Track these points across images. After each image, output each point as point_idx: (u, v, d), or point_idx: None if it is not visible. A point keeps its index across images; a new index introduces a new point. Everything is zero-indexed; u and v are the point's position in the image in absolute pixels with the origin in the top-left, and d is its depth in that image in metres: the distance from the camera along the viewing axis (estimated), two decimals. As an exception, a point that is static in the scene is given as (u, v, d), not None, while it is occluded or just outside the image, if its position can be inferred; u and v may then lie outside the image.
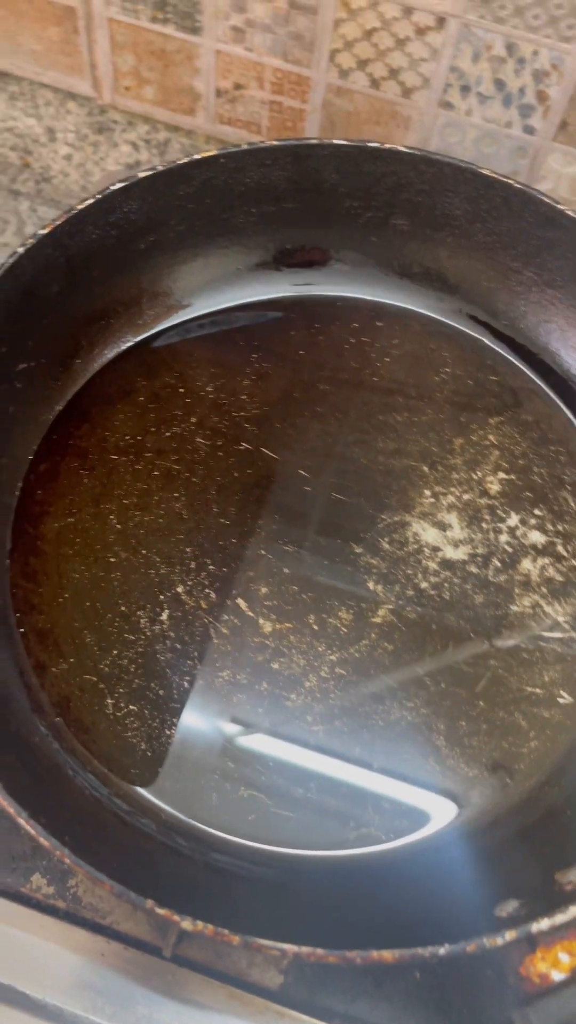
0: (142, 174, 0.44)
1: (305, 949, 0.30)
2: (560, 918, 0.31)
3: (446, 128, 0.56)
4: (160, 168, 0.44)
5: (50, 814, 0.32)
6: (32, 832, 0.31)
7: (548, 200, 0.45)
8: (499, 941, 0.30)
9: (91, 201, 0.43)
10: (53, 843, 0.31)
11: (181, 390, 0.47)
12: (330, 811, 0.39)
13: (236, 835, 0.38)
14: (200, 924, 0.30)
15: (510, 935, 0.30)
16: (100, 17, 0.59)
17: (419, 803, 0.39)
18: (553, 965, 0.30)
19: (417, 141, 0.57)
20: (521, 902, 0.33)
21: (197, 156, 0.45)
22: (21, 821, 0.31)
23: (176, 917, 0.30)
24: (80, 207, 0.43)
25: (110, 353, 0.48)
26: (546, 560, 0.44)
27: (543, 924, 0.31)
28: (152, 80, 0.62)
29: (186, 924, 0.30)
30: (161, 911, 0.30)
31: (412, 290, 0.50)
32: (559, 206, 0.45)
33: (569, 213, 0.44)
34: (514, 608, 0.43)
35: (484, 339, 0.50)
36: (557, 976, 0.30)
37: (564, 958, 0.31)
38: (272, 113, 0.60)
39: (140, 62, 0.61)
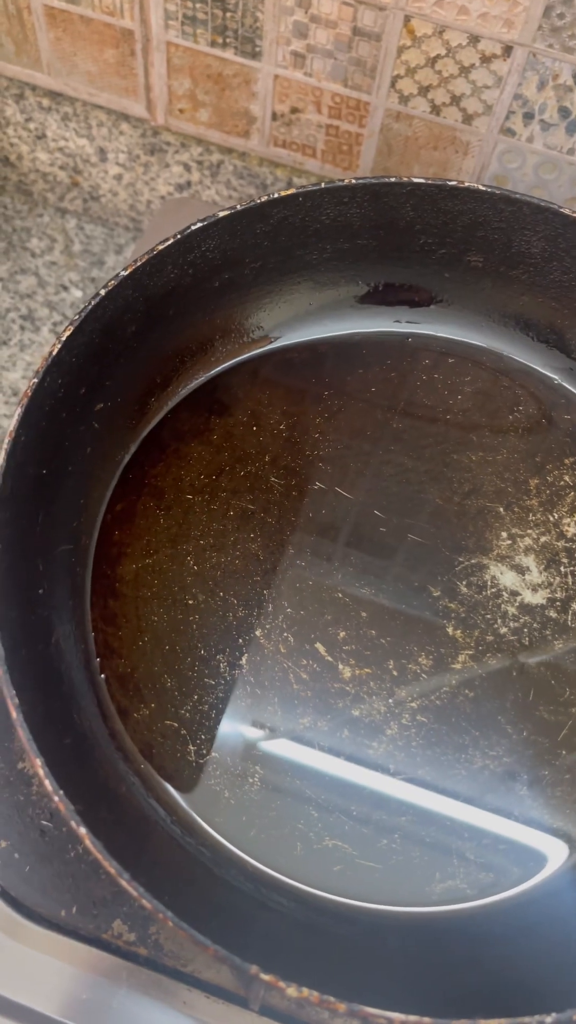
0: (222, 214, 0.44)
1: (412, 1018, 0.29)
2: None
3: (505, 154, 0.56)
4: (239, 207, 0.44)
5: (146, 871, 0.32)
6: (134, 894, 0.31)
7: (629, 241, 0.44)
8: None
9: (171, 241, 0.43)
10: (156, 905, 0.30)
11: (254, 428, 0.47)
12: (415, 863, 0.38)
13: (322, 888, 0.38)
14: (306, 991, 0.30)
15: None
16: (158, 40, 0.59)
17: (504, 857, 0.39)
18: None
19: (475, 166, 0.56)
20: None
21: (276, 195, 0.44)
22: (123, 883, 0.31)
23: (282, 984, 0.30)
24: (161, 247, 0.42)
25: (184, 391, 0.48)
26: (626, 605, 0.44)
27: None
28: (207, 103, 0.62)
29: (291, 991, 0.30)
30: (266, 977, 0.30)
31: (484, 326, 0.50)
32: None
33: None
34: (595, 655, 0.43)
35: (557, 376, 0.49)
36: None
37: None
38: (328, 136, 0.60)
39: (196, 85, 0.61)
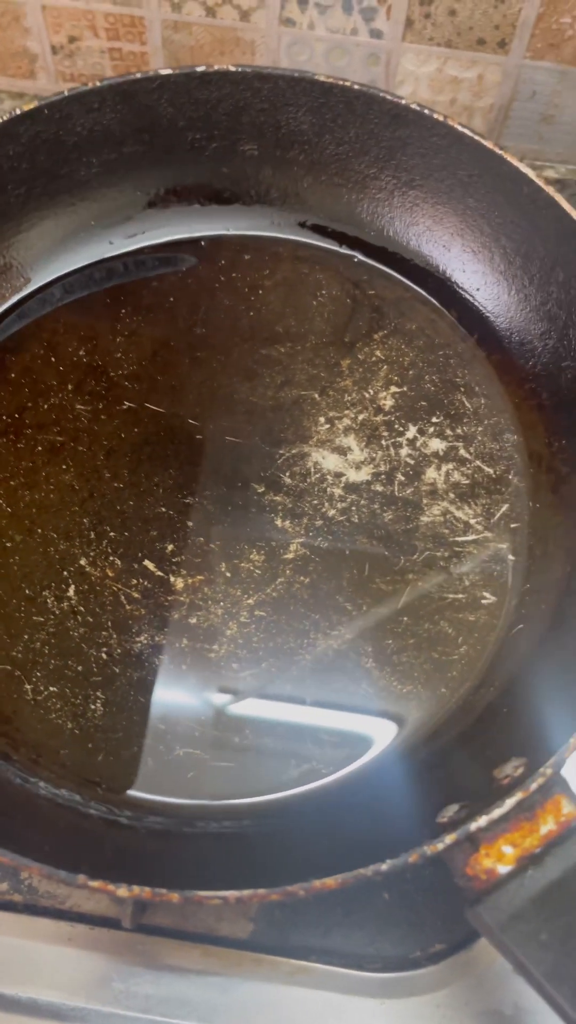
0: (-37, 138, 0.42)
1: (246, 892, 0.29)
2: (497, 812, 0.30)
3: (292, 47, 0.54)
4: (-20, 129, 0.42)
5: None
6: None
7: (391, 97, 0.43)
8: (439, 846, 0.30)
9: None
10: (-26, 838, 0.30)
11: (52, 359, 0.45)
12: (269, 753, 0.38)
13: (178, 796, 0.37)
14: (136, 889, 0.29)
15: (450, 838, 0.30)
16: None
17: (358, 729, 0.39)
18: (498, 860, 0.30)
19: (266, 64, 0.54)
20: (462, 805, 0.32)
21: (18, 111, 0.42)
22: None
23: (111, 887, 0.29)
24: None
25: (-29, 333, 0.46)
26: (449, 466, 0.43)
27: (481, 821, 0.30)
28: (-18, 48, 0.59)
29: (122, 891, 0.29)
30: (94, 883, 0.29)
31: (273, 217, 0.48)
32: (402, 101, 0.43)
33: (414, 107, 0.43)
34: (424, 519, 0.42)
35: (356, 254, 0.48)
36: (503, 869, 0.30)
37: (508, 850, 0.30)
38: (114, 61, 0.58)
39: (-34, 31, 0.58)
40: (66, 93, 0.43)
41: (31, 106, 0.43)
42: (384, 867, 0.30)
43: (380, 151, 0.45)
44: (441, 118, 0.43)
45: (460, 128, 0.43)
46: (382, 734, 0.38)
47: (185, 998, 0.38)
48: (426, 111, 0.43)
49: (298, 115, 0.45)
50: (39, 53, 0.59)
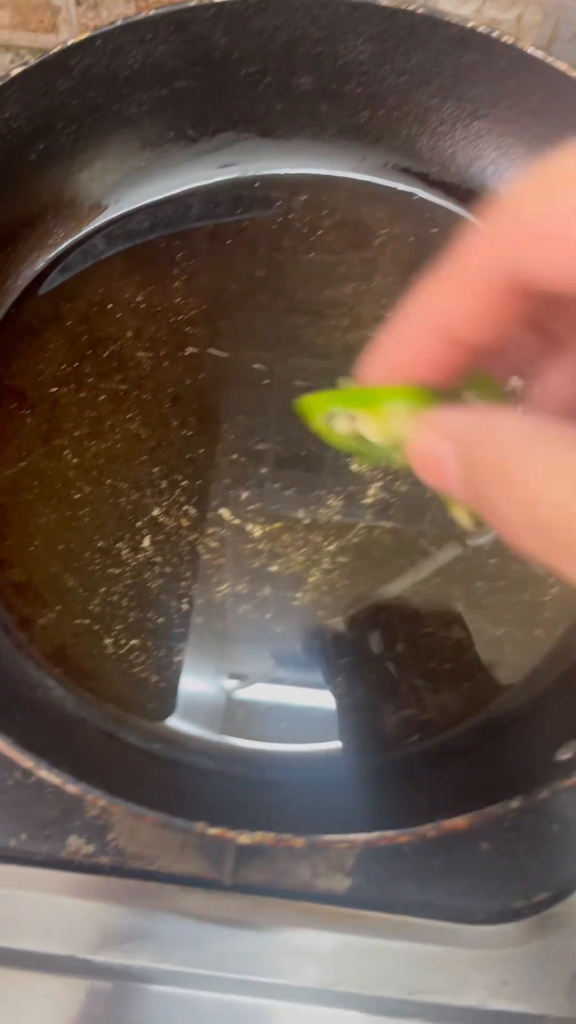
0: (15, 71, 0.39)
1: (374, 835, 0.28)
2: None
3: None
4: (33, 62, 0.40)
5: (74, 764, 0.29)
6: (58, 781, 0.28)
7: (456, 20, 0.41)
8: (571, 781, 0.29)
9: (-36, 111, 0.39)
10: (82, 787, 0.28)
11: (110, 305, 0.44)
12: (365, 705, 0.37)
13: (272, 742, 0.36)
14: (259, 835, 0.28)
15: (581, 772, 0.29)
16: None
17: (454, 674, 0.37)
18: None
19: None
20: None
21: (71, 42, 0.40)
22: (44, 773, 0.28)
23: (231, 833, 0.28)
24: (-46, 119, 0.38)
25: (24, 281, 0.44)
26: (528, 403, 0.42)
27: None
28: (4, 2, 0.56)
29: (244, 838, 0.28)
30: (214, 831, 0.28)
31: (331, 154, 0.47)
32: (469, 24, 0.41)
33: (481, 30, 0.41)
34: (506, 458, 0.41)
35: (417, 191, 0.46)
36: None
37: None
38: (140, 7, 0.56)
39: (-16, -19, 0.55)
40: (120, 23, 0.41)
41: (83, 37, 0.40)
42: (515, 804, 0.28)
43: (443, 80, 0.44)
44: (511, 40, 0.41)
45: (531, 51, 0.41)
46: (480, 678, 0.37)
47: (282, 956, 0.36)
48: (494, 34, 0.41)
49: (357, 44, 0.43)
50: (62, 5, 0.56)
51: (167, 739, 0.35)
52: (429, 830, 0.28)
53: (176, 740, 0.35)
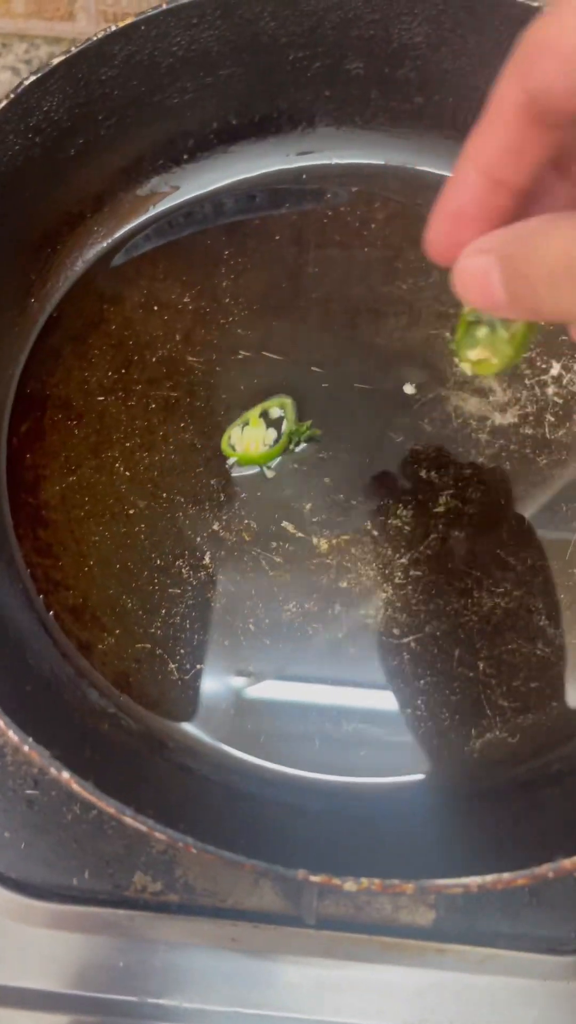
0: (57, 60, 0.37)
1: (490, 878, 0.26)
2: None
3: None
4: (74, 49, 0.37)
5: (153, 804, 0.27)
6: (144, 828, 0.26)
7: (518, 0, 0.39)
8: None
9: (5, 103, 0.36)
10: (171, 835, 0.26)
11: (155, 307, 0.41)
12: (448, 725, 0.34)
13: (353, 776, 0.34)
14: (365, 882, 0.26)
15: None
16: None
17: (538, 691, 0.35)
18: None
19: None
20: None
21: (114, 27, 0.38)
22: (128, 819, 0.26)
23: (336, 881, 0.26)
24: (-7, 112, 0.36)
25: (65, 284, 0.41)
26: (602, 402, 0.40)
27: None
28: (20, -11, 0.54)
29: (349, 885, 0.26)
30: (317, 878, 0.26)
31: (383, 143, 0.44)
32: (533, 3, 0.39)
33: (545, 9, 0.39)
34: (583, 461, 0.39)
35: (472, 181, 0.44)
36: None
37: None
38: (164, -5, 0.53)
39: (1, -31, 0.53)
40: (164, 6, 0.38)
41: (127, 22, 0.38)
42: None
43: (502, 63, 0.41)
44: (578, 19, 0.38)
45: (600, 29, 0.38)
46: (566, 696, 0.35)
47: (369, 995, 0.34)
48: (560, 13, 0.39)
49: (412, 26, 0.41)
50: (79, -9, 0.54)
51: (243, 771, 0.33)
52: (548, 871, 0.26)
53: (253, 772, 0.33)
